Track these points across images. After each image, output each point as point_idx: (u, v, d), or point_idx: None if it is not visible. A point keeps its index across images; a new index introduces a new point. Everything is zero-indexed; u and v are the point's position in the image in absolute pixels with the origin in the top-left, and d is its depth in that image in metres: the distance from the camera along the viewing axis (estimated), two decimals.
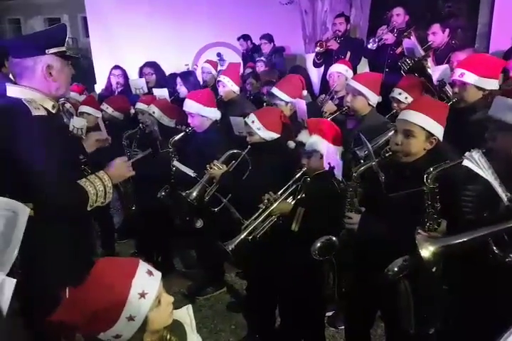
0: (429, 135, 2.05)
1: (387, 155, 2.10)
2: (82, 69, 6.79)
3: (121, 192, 3.71)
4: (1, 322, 1.37)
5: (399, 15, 4.95)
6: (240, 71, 4.67)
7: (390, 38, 4.88)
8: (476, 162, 1.59)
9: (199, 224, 3.29)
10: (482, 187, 1.73)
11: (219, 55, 6.98)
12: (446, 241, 1.65)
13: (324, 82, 4.86)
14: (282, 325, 2.91)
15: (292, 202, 2.47)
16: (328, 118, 2.98)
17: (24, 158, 1.85)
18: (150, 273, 1.29)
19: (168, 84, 4.68)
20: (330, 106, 3.84)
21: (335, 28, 5.33)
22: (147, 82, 4.75)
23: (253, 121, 2.78)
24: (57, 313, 1.21)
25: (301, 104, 3.20)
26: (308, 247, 2.24)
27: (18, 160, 1.85)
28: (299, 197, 2.47)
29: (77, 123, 3.34)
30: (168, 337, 1.37)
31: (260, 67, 5.49)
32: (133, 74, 5.38)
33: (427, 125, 2.03)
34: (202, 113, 3.24)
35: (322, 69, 5.40)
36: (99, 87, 7.10)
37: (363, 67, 5.40)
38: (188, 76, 4.54)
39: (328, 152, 2.38)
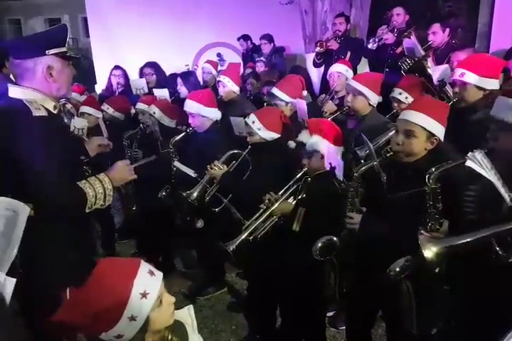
0: (430, 135, 2.04)
1: (388, 155, 2.09)
2: (82, 70, 6.78)
3: (122, 193, 3.71)
4: (1, 321, 1.37)
5: (399, 15, 4.95)
6: (240, 71, 4.67)
7: (390, 37, 4.87)
8: (478, 162, 1.59)
9: (200, 224, 3.29)
10: (484, 187, 1.72)
11: (219, 55, 6.98)
12: (450, 241, 1.65)
13: (324, 82, 4.85)
14: (283, 325, 2.91)
15: (293, 203, 2.47)
16: (329, 119, 2.98)
17: (25, 158, 1.85)
18: (151, 273, 1.29)
19: (169, 84, 4.68)
20: (330, 106, 3.83)
21: (335, 28, 5.32)
22: (148, 83, 4.75)
23: (253, 122, 2.78)
24: (58, 313, 1.21)
25: (302, 104, 3.20)
26: (309, 247, 2.23)
27: (18, 161, 1.85)
28: (299, 197, 2.47)
29: (78, 124, 3.35)
30: (170, 337, 1.37)
31: (260, 67, 5.48)
32: (133, 75, 5.38)
33: (428, 125, 2.03)
34: (202, 113, 3.24)
35: (322, 69, 5.39)
36: (99, 88, 7.10)
37: (363, 67, 5.39)
38: (188, 76, 4.54)
39: (329, 152, 2.38)
